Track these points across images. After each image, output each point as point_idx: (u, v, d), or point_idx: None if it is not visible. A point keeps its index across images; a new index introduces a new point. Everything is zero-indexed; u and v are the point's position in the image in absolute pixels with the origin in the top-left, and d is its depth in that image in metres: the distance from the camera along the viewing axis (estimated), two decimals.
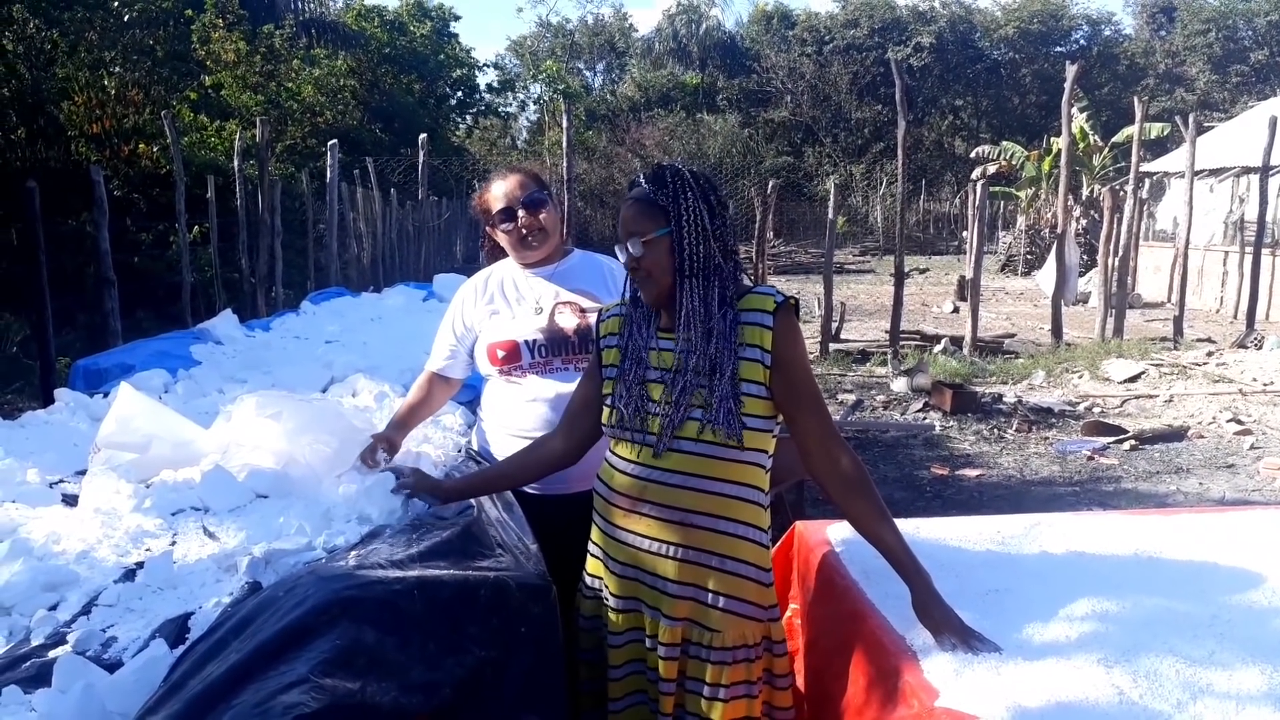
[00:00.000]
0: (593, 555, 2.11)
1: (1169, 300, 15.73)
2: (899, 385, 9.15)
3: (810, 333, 12.03)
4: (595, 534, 2.10)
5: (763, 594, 1.96)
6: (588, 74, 45.02)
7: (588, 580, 2.12)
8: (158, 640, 1.52)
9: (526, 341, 2.52)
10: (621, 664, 2.02)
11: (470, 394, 3.36)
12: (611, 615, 2.03)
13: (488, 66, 35.75)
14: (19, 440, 2.65)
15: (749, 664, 1.93)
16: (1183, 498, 6.03)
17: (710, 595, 1.92)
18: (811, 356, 11.06)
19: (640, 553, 1.97)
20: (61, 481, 2.44)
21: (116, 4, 14.35)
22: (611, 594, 2.04)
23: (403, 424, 2.55)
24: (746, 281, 2.00)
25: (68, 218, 11.20)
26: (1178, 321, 12.35)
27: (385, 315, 5.62)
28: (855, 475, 1.93)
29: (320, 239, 13.00)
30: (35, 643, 1.60)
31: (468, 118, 33.40)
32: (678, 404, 1.90)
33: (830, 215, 12.52)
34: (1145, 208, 17.56)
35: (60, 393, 3.20)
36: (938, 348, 11.31)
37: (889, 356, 10.59)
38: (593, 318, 2.52)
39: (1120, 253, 12.83)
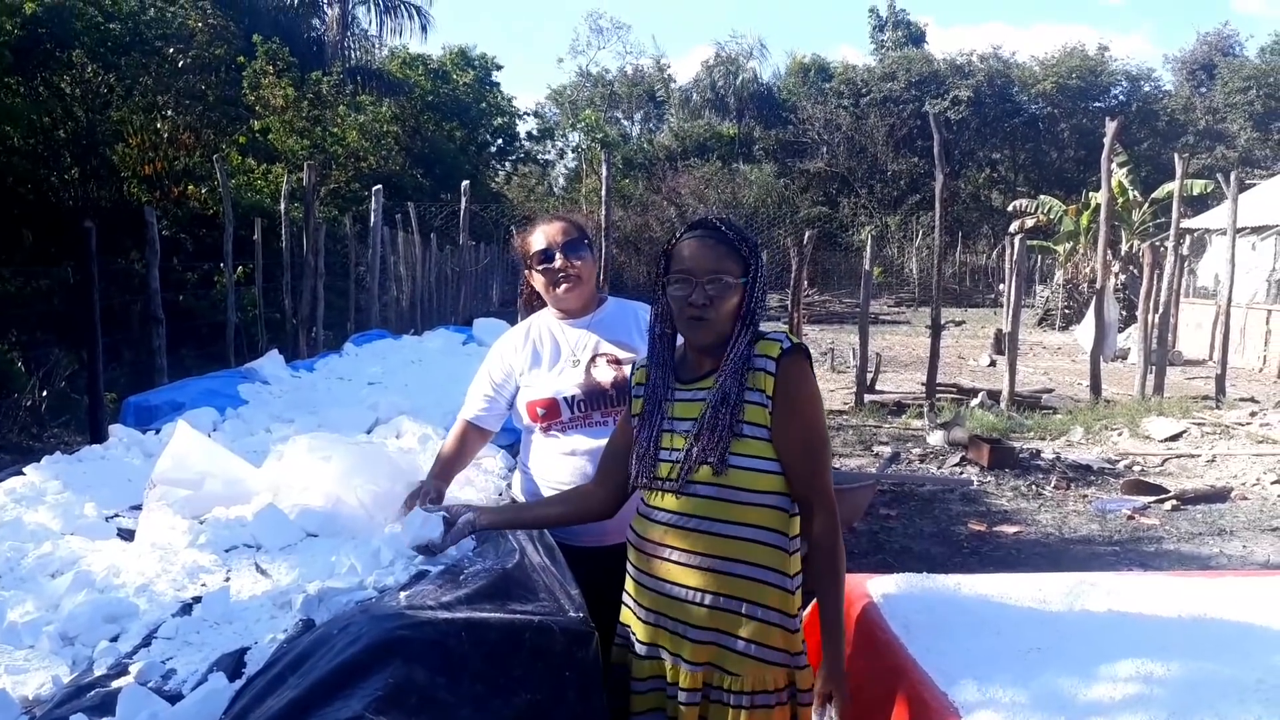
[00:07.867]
0: (624, 604, 2.13)
1: (1210, 358, 15.51)
2: (935, 439, 9.08)
3: (845, 383, 11.98)
4: (628, 582, 2.12)
5: (789, 640, 1.97)
6: (625, 123, 45.67)
7: (619, 629, 2.13)
8: (217, 674, 1.56)
9: (565, 398, 2.56)
10: (643, 711, 2.03)
11: (512, 437, 3.40)
12: (635, 661, 2.05)
13: (528, 115, 36.50)
14: (77, 474, 2.73)
15: (769, 710, 1.94)
16: (1226, 560, 5.92)
17: (737, 641, 1.94)
18: (846, 407, 11.01)
19: (665, 599, 1.99)
20: (117, 516, 2.51)
21: (171, 50, 14.80)
22: (637, 640, 2.06)
23: (442, 475, 2.58)
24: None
25: (117, 256, 11.47)
26: (1220, 380, 12.18)
27: (426, 358, 5.70)
28: (823, 542, 1.95)
29: (361, 281, 13.20)
30: (98, 673, 1.64)
31: (507, 164, 33.97)
32: (693, 447, 1.94)
33: (866, 266, 12.53)
34: (1186, 264, 17.41)
35: (114, 429, 3.30)
36: (974, 401, 11.22)
37: (925, 409, 10.52)
38: (629, 369, 2.56)
39: (1160, 309, 12.71)
